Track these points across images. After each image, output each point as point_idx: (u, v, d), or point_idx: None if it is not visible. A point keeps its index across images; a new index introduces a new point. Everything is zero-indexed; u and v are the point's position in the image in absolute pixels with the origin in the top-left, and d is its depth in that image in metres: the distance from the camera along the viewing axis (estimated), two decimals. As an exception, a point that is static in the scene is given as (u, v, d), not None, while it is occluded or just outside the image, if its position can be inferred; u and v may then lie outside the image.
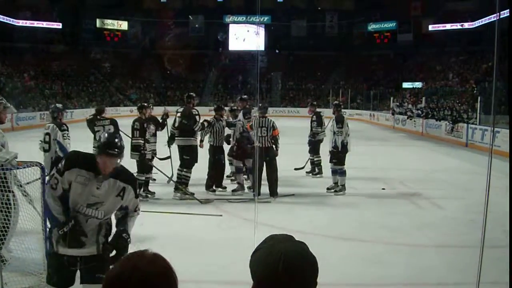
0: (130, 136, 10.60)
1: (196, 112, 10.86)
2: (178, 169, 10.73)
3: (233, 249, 6.96)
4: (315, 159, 13.49)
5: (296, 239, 1.77)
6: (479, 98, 23.96)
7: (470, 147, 21.41)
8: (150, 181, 11.82)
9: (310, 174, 13.52)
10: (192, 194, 10.55)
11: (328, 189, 11.38)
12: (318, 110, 13.92)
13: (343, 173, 11.19)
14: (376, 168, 15.20)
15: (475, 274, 3.92)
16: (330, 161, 11.31)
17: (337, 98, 48.01)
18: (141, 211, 9.20)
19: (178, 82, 53.60)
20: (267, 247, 1.74)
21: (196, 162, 10.78)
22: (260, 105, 11.64)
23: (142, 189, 10.47)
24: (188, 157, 10.60)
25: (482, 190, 4.00)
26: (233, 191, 11.02)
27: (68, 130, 8.53)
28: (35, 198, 6.04)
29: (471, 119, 23.71)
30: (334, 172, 11.35)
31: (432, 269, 6.59)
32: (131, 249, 2.82)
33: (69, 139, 8.41)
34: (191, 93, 11.61)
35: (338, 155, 11.10)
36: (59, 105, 9.10)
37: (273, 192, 10.55)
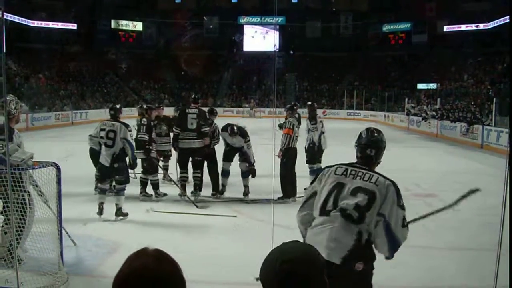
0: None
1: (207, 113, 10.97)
2: (196, 172, 10.64)
3: (247, 250, 6.96)
4: None
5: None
6: (494, 99, 23.82)
7: (486, 149, 21.27)
8: (167, 181, 11.80)
9: None
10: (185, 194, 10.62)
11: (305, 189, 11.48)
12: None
13: (314, 171, 11.23)
14: (390, 169, 15.08)
15: (490, 277, 3.89)
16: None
17: (351, 100, 48.04)
18: (156, 211, 9.31)
19: (193, 83, 53.66)
20: (270, 252, 1.80)
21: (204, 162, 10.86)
22: (289, 106, 11.52)
23: (155, 191, 10.52)
24: (201, 158, 10.61)
25: (497, 192, 3.97)
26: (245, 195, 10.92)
27: (131, 130, 9.20)
28: (50, 197, 6.07)
29: (487, 121, 23.56)
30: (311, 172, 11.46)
31: (446, 272, 6.55)
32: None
33: (132, 137, 9.21)
34: (198, 95, 11.53)
35: (312, 153, 11.28)
36: (118, 105, 9.67)
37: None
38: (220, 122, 11.45)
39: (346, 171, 3.70)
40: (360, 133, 4.00)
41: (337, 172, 3.72)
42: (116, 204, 8.92)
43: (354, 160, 3.94)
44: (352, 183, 3.61)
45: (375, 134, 3.96)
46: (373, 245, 3.57)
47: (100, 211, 8.79)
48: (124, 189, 9.14)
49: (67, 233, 6.71)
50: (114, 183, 9.53)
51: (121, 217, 8.89)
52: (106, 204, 9.14)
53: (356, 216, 3.47)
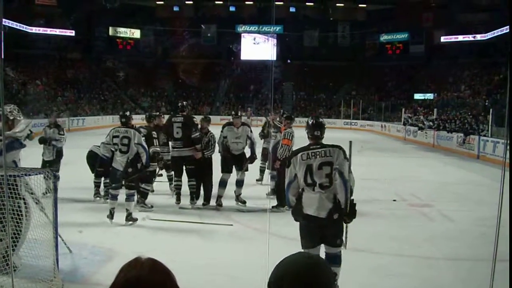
0: None
1: (195, 119, 10.89)
2: (191, 180, 10.59)
3: (243, 258, 6.95)
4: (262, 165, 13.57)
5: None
6: (491, 110, 23.87)
7: (482, 159, 21.30)
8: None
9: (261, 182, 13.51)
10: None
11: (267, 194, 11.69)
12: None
13: (273, 177, 11.33)
14: (386, 179, 15.16)
15: (485, 287, 3.88)
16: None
17: (348, 109, 48.15)
18: (151, 219, 9.29)
19: (190, 91, 53.68)
20: (279, 263, 1.80)
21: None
22: (286, 115, 11.51)
23: (142, 200, 10.41)
24: (194, 166, 10.53)
25: (493, 202, 3.98)
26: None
27: (144, 136, 9.50)
28: (46, 205, 6.06)
29: (483, 131, 23.60)
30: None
31: (442, 282, 6.56)
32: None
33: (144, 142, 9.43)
34: (185, 102, 11.41)
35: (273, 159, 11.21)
36: (127, 112, 9.97)
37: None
38: (216, 131, 11.27)
39: (308, 155, 5.45)
40: (307, 122, 5.81)
41: (303, 158, 5.45)
42: (127, 210, 9.09)
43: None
44: (316, 162, 5.40)
45: (318, 120, 5.82)
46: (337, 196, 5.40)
47: (111, 216, 8.99)
48: (134, 195, 9.37)
49: (62, 240, 6.69)
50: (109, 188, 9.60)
51: (130, 222, 9.03)
52: (101, 211, 9.19)
53: (328, 182, 5.38)
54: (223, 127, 10.80)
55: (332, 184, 5.39)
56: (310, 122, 5.73)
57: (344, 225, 5.57)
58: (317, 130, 5.62)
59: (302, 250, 5.29)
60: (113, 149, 9.24)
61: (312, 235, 5.51)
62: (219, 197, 10.58)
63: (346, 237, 5.67)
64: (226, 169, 10.67)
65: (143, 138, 10.11)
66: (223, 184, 10.61)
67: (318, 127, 5.66)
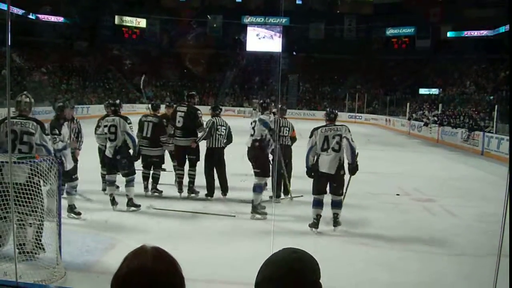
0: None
1: (200, 112, 10.57)
2: (191, 170, 10.57)
3: (246, 249, 6.96)
4: None
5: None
6: (496, 106, 23.79)
7: (486, 156, 21.24)
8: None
9: None
10: (198, 192, 10.61)
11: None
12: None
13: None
14: (390, 174, 15.14)
15: (488, 283, 3.88)
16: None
17: (353, 102, 48.05)
18: (154, 208, 9.30)
19: (195, 81, 53.55)
20: (268, 260, 1.77)
21: (199, 160, 10.61)
22: (280, 106, 11.67)
23: (154, 186, 10.68)
24: (195, 156, 10.52)
25: (497, 199, 3.98)
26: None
27: (131, 123, 9.52)
28: (52, 192, 6.07)
29: (488, 127, 23.54)
30: None
31: (444, 277, 6.56)
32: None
33: (133, 130, 9.56)
34: (192, 92, 11.33)
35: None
36: (117, 101, 10.03)
37: (288, 191, 10.63)
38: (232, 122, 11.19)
39: (326, 130, 8.18)
40: (326, 111, 8.67)
41: (322, 131, 8.17)
42: (127, 195, 9.28)
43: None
44: (330, 134, 8.11)
45: (334, 110, 8.66)
46: (344, 160, 8.11)
47: (112, 202, 9.22)
48: (133, 180, 9.42)
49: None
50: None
51: (133, 208, 9.20)
52: (104, 199, 9.23)
53: (337, 148, 8.02)
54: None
55: (340, 150, 8.04)
56: (328, 111, 8.64)
57: (346, 179, 8.34)
58: (332, 114, 8.44)
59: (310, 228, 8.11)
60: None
61: (323, 185, 8.12)
62: (254, 205, 9.22)
63: (346, 189, 8.40)
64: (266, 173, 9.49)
65: (146, 126, 10.46)
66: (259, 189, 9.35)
67: (334, 114, 8.49)
